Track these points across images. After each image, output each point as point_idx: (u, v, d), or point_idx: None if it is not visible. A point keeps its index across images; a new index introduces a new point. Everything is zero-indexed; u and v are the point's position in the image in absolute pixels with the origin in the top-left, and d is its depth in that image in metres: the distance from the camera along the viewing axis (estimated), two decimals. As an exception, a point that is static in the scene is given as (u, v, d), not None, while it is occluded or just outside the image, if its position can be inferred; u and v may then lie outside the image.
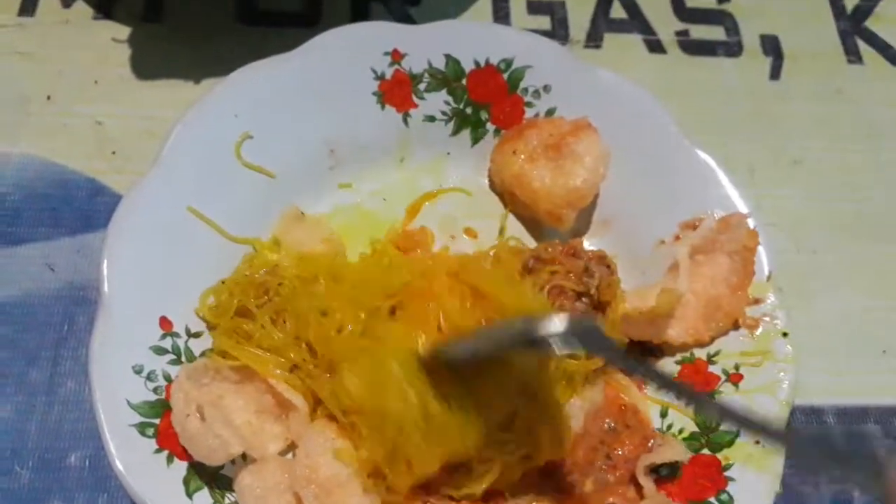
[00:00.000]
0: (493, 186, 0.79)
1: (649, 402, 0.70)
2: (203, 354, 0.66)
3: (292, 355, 0.64)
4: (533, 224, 0.78)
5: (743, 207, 0.73)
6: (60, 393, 0.69)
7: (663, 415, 0.70)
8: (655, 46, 0.93)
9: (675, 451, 0.64)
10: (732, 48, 0.94)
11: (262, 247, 0.70)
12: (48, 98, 0.81)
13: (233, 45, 0.84)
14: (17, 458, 0.67)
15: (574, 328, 0.50)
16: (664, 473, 0.66)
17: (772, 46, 0.95)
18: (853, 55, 0.95)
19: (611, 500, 0.64)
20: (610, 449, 0.67)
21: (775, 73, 0.94)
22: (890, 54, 0.96)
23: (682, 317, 0.70)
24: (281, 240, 0.71)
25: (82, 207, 0.76)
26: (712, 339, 0.71)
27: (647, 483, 0.64)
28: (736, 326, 0.71)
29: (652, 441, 0.67)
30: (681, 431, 0.68)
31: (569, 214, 0.73)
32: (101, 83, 0.82)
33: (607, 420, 0.68)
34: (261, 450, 0.63)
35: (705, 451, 0.67)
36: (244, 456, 0.63)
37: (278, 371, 0.63)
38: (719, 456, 0.66)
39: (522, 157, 0.74)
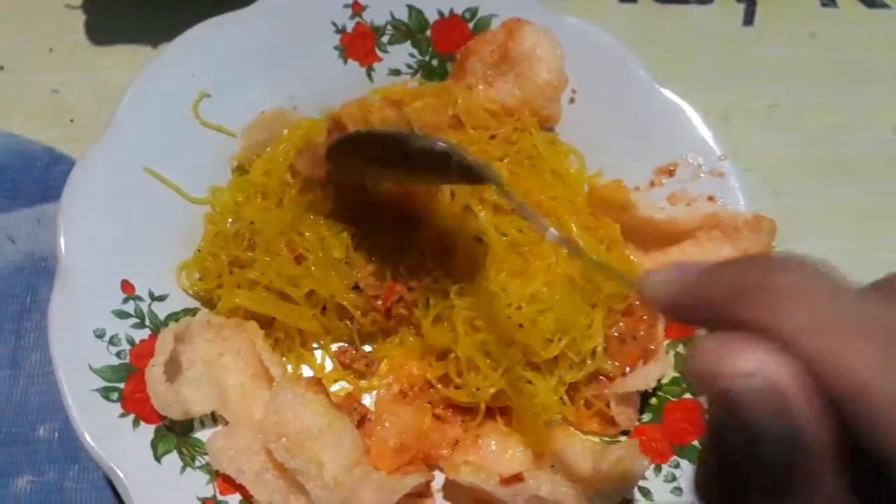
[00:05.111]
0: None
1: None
2: (172, 318, 0.64)
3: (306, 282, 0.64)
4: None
5: (717, 150, 0.72)
6: (25, 365, 0.68)
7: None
8: (626, -5, 0.91)
9: (641, 380, 0.62)
10: (704, -5, 0.93)
11: (224, 206, 0.68)
12: (1, 68, 0.79)
13: (188, 8, 0.81)
14: (-18, 433, 0.65)
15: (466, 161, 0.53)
16: (646, 420, 0.66)
17: (744, -9, 0.93)
18: (827, -2, 0.94)
19: (595, 425, 0.64)
20: (610, 357, 0.65)
21: (748, 19, 0.92)
22: (863, -5, 0.94)
23: (648, 252, 0.70)
24: (244, 142, 0.70)
25: (41, 177, 0.74)
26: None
27: (617, 412, 0.63)
28: None
29: (640, 361, 0.65)
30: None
31: (555, 108, 0.72)
32: (56, 51, 0.80)
33: (620, 323, 0.66)
34: (246, 413, 0.62)
35: (687, 396, 0.66)
36: (215, 417, 0.62)
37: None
38: (701, 400, 0.65)
39: (480, 87, 0.72)
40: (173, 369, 0.59)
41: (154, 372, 0.57)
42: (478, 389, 0.62)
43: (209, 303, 0.66)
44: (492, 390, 0.62)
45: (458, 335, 0.62)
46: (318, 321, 0.65)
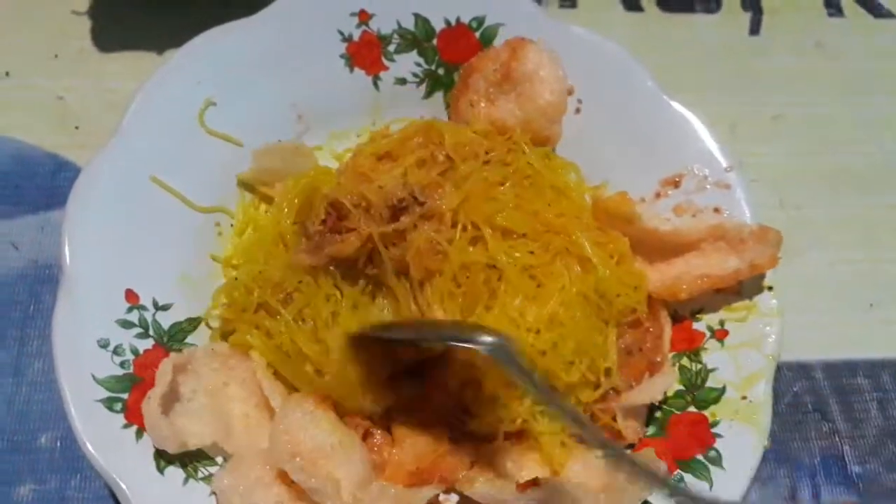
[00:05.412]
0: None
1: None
2: (176, 328, 0.64)
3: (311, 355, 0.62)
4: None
5: (723, 161, 0.72)
6: (28, 373, 0.68)
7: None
8: (632, 4, 0.91)
9: (648, 394, 0.62)
10: (710, 4, 0.92)
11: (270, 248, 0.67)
12: (7, 74, 0.78)
13: (195, 13, 0.81)
14: (-15, 441, 0.65)
15: (489, 346, 0.54)
16: (650, 433, 0.65)
17: (751, 1, 0.93)
18: (833, 7, 0.94)
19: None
20: (617, 370, 0.65)
21: (755, 29, 0.92)
22: (870, 6, 0.94)
23: (653, 264, 0.69)
24: (255, 164, 0.69)
25: (45, 184, 0.74)
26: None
27: (623, 426, 0.62)
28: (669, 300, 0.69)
29: (646, 374, 0.65)
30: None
31: (555, 129, 0.72)
32: (62, 57, 0.80)
33: (626, 336, 0.66)
34: (252, 443, 0.61)
35: (691, 409, 0.65)
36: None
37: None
38: (706, 413, 0.65)
39: (482, 104, 0.72)
40: (170, 400, 0.59)
41: (151, 405, 0.57)
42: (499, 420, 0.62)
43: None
44: (517, 421, 0.62)
45: (480, 370, 0.61)
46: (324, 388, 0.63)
